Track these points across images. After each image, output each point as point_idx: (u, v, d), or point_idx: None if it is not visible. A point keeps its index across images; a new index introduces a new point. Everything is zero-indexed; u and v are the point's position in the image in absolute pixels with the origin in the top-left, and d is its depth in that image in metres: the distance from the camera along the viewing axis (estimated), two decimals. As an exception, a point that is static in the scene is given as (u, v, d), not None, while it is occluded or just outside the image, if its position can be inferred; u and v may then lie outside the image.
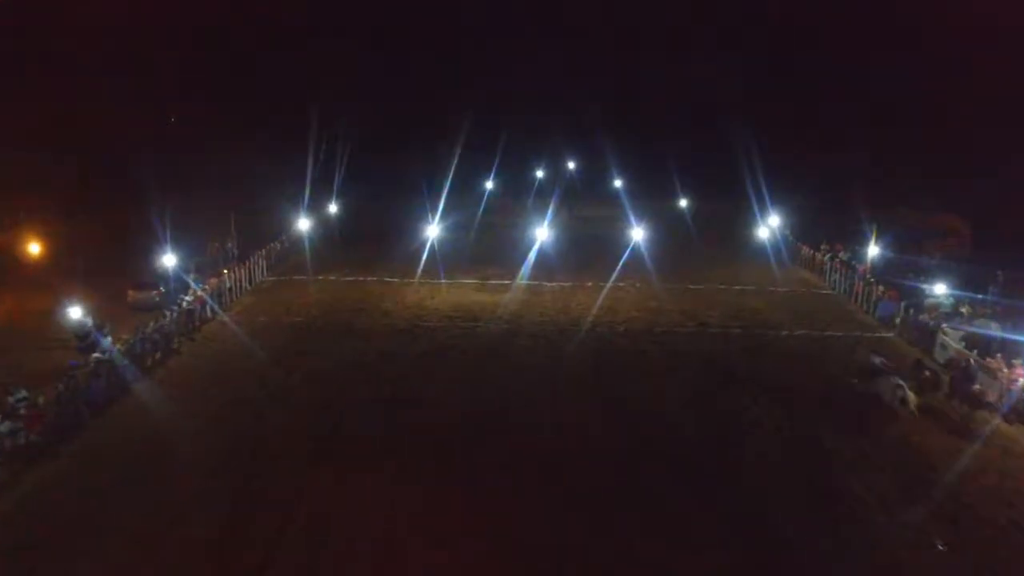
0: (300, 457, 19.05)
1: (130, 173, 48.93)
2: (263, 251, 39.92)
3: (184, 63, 64.35)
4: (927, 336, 27.92)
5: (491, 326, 30.68)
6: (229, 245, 38.98)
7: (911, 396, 21.79)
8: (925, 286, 32.41)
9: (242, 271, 36.45)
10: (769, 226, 45.63)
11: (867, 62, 61.32)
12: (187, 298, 30.20)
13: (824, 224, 47.95)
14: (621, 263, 39.87)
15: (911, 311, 29.85)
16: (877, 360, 24.13)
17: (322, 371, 25.40)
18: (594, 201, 66.01)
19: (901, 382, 22.16)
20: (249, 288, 36.83)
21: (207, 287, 32.19)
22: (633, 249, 40.74)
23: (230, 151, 55.56)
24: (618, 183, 69.71)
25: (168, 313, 27.99)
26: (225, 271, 34.79)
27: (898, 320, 30.38)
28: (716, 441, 20.50)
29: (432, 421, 21.20)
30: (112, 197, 49.02)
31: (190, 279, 33.36)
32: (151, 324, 26.44)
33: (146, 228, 38.53)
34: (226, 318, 31.69)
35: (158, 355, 26.38)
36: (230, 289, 34.50)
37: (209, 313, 31.71)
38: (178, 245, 34.87)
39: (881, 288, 32.89)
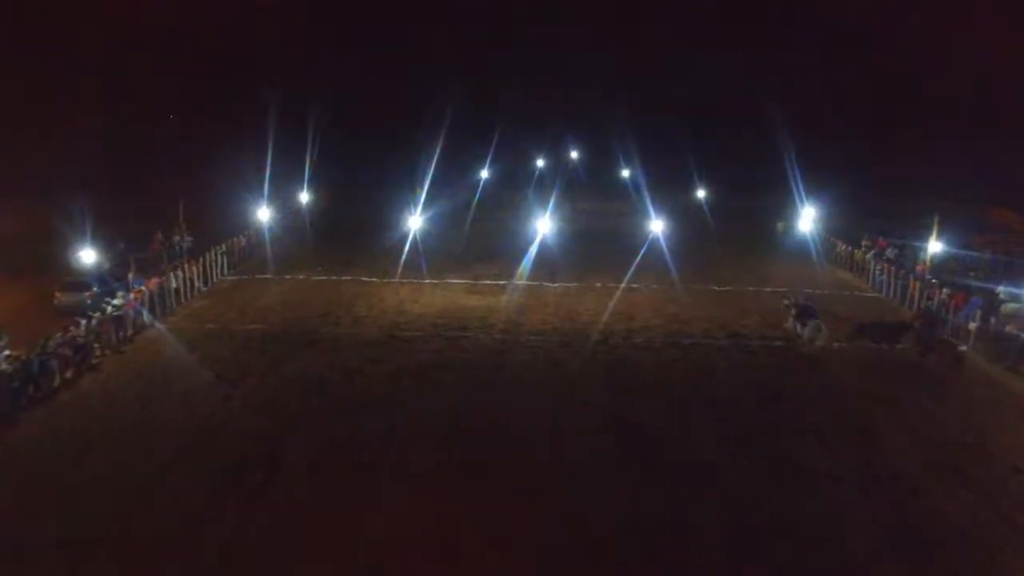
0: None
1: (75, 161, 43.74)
2: (223, 246, 34.79)
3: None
4: (1016, 351, 22.82)
5: (482, 336, 25.56)
6: (177, 239, 33.83)
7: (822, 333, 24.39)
8: (1001, 288, 27.28)
9: (195, 269, 31.33)
10: (804, 220, 40.40)
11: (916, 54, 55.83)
12: (116, 301, 25.06)
13: (861, 218, 42.97)
14: (637, 260, 34.63)
15: (992, 320, 24.71)
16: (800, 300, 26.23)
17: (268, 397, 20.28)
18: (599, 193, 60.77)
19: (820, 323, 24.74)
20: (204, 289, 31.71)
21: (146, 288, 27.08)
22: (650, 245, 35.27)
23: (185, 134, 50.37)
24: (625, 173, 64.53)
25: (84, 321, 22.88)
26: (171, 269, 29.69)
27: (972, 326, 25.13)
28: (777, 502, 15.38)
29: (394, 481, 15.98)
30: (52, 187, 43.88)
31: (130, 278, 28.34)
32: (56, 335, 21.32)
33: (88, 220, 33.43)
34: (166, 325, 26.63)
35: (69, 373, 21.29)
36: (177, 290, 29.40)
37: (147, 319, 26.63)
38: (118, 240, 29.90)
39: (945, 291, 27.71)
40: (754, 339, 25.71)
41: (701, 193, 53.14)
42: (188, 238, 37.28)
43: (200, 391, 20.47)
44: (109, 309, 24.44)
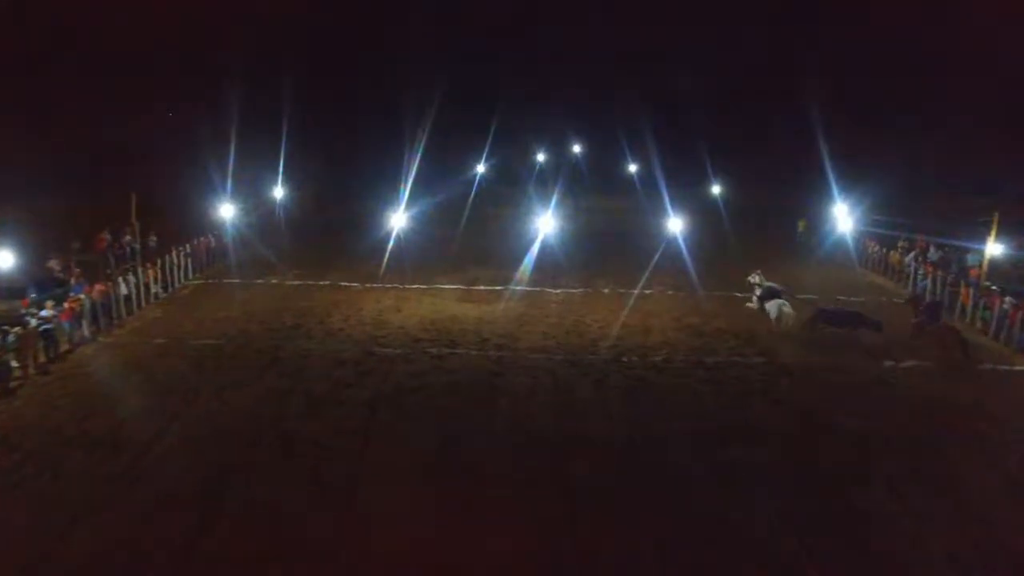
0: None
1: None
2: (187, 247, 31.10)
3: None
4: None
5: (474, 354, 21.88)
6: (128, 238, 30.09)
7: (789, 312, 23.90)
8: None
9: (152, 273, 27.66)
10: (836, 219, 36.62)
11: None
12: (44, 312, 21.35)
13: (893, 216, 39.13)
14: (653, 263, 30.78)
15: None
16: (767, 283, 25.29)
17: (208, 434, 16.58)
18: (605, 189, 56.99)
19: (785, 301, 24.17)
20: (163, 295, 28.07)
21: (85, 296, 23.41)
22: (668, 246, 31.33)
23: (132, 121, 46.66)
24: (633, 167, 60.77)
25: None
26: (121, 274, 26.03)
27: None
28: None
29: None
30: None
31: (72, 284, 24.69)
32: (-44, 357, 17.69)
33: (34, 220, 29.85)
34: (109, 340, 23.00)
35: (-26, 402, 17.67)
36: (128, 298, 25.73)
37: (87, 332, 22.98)
38: (74, 241, 26.20)
39: (1008, 300, 24.02)
40: (789, 356, 22.01)
41: (717, 189, 49.29)
42: (153, 238, 33.70)
43: (127, 427, 16.79)
44: (34, 322, 20.76)
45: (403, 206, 33.43)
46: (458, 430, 16.83)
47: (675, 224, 31.22)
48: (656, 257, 28.73)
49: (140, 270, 27.04)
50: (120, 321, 24.75)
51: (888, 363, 21.60)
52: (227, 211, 29.40)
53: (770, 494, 14.38)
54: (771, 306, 24.34)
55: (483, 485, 14.54)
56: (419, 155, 46.27)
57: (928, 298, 24.33)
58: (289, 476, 14.77)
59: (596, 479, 14.87)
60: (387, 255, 32.00)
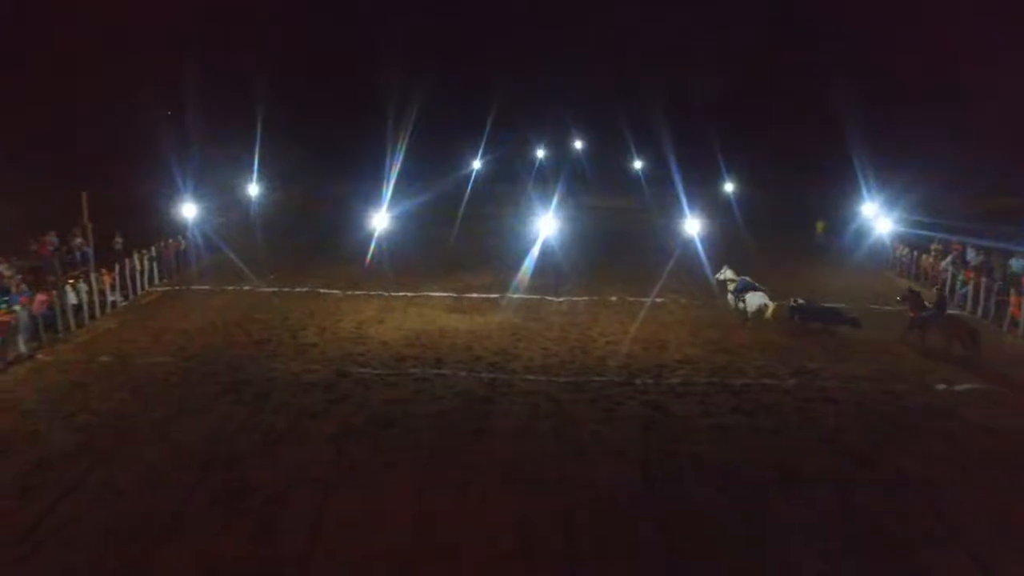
0: None
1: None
2: (152, 250, 28.26)
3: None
4: None
5: (463, 375, 19.00)
6: (78, 241, 27.19)
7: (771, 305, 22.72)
8: None
9: (108, 279, 24.82)
10: (865, 218, 33.81)
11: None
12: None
13: (919, 215, 36.31)
14: (668, 268, 27.80)
15: None
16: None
17: (136, 483, 13.61)
18: (609, 187, 54.10)
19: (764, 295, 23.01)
20: (122, 303, 25.25)
21: (22, 306, 20.54)
22: (683, 249, 28.29)
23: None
24: (638, 164, 57.89)
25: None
26: (69, 281, 23.17)
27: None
28: None
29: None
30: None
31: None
32: None
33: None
34: (51, 356, 20.13)
35: None
36: (77, 307, 22.88)
37: (23, 348, 20.11)
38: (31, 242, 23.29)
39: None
40: (828, 378, 19.13)
41: (729, 186, 46.28)
42: (118, 240, 30.90)
43: (41, 474, 13.88)
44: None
45: (385, 206, 30.38)
46: (440, 478, 13.94)
47: (692, 225, 28.27)
48: (671, 263, 25.80)
49: (94, 277, 24.17)
50: (67, 334, 21.92)
51: (941, 386, 18.71)
52: (190, 211, 26.53)
53: (821, 558, 11.56)
54: (753, 299, 23.15)
55: (470, 549, 11.68)
56: (407, 151, 43.31)
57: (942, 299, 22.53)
58: (227, 542, 11.88)
59: (605, 542, 11.98)
60: (369, 259, 29.12)
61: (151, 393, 17.69)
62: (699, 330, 22.84)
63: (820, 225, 39.17)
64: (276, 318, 23.71)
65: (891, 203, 33.72)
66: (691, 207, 32.43)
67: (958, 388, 18.56)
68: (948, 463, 14.76)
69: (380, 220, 27.81)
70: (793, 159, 48.99)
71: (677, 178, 39.57)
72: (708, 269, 27.28)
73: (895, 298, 24.10)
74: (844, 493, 13.54)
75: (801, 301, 23.23)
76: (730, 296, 24.40)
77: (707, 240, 29.13)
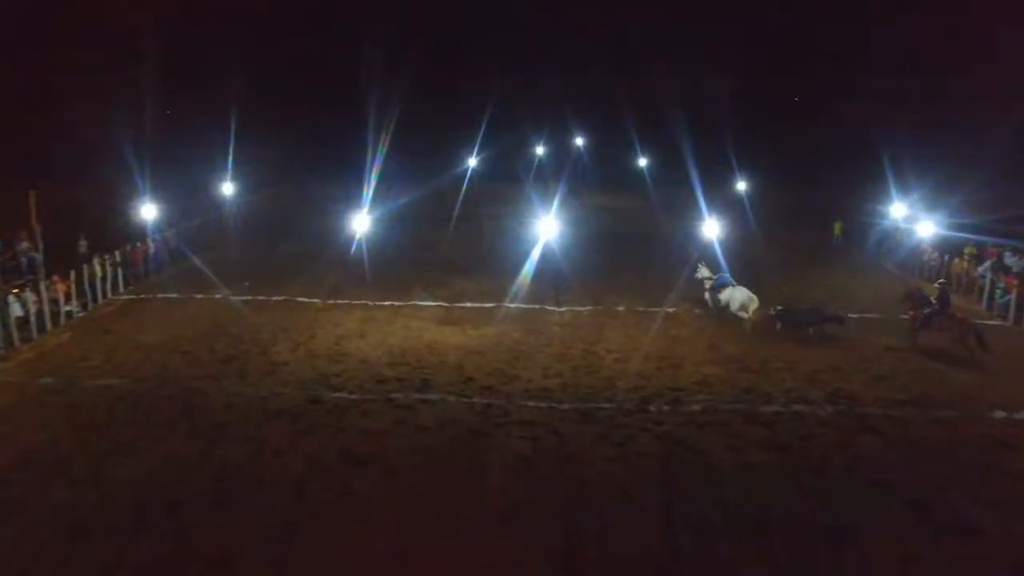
0: None
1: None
2: (114, 255, 25.89)
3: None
4: None
5: (452, 400, 16.64)
6: (24, 246, 24.78)
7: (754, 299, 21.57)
8: None
9: (62, 287, 22.45)
10: (894, 218, 31.49)
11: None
12: None
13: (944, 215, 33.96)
14: (684, 275, 25.28)
15: None
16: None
17: (50, 546, 11.26)
18: (612, 185, 51.69)
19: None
20: (80, 313, 22.89)
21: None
22: (701, 254, 25.84)
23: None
24: (643, 161, 55.46)
25: None
26: (13, 290, 20.80)
27: None
28: None
29: None
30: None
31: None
32: None
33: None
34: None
35: None
36: (23, 320, 20.50)
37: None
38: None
39: None
40: (868, 404, 16.78)
41: (742, 185, 43.81)
42: (83, 243, 28.57)
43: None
44: None
45: (366, 208, 27.82)
46: (422, 532, 11.60)
47: (712, 228, 25.80)
48: (686, 270, 23.43)
49: (44, 285, 21.78)
50: (9, 351, 19.55)
51: (999, 414, 16.34)
52: (150, 212, 24.14)
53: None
54: (735, 295, 21.97)
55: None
56: (396, 148, 40.92)
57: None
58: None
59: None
60: (348, 266, 26.76)
61: (91, 423, 15.32)
62: (718, 345, 20.47)
63: (838, 226, 36.85)
64: (246, 331, 21.33)
65: (931, 203, 31.31)
66: (709, 208, 29.99)
67: (1019, 416, 16.22)
68: (1022, 509, 12.46)
69: (360, 223, 25.34)
70: (810, 155, 46.58)
71: (694, 176, 36.95)
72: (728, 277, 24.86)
73: (896, 301, 22.06)
74: (906, 556, 11.21)
75: (780, 307, 21.85)
76: (708, 295, 23.05)
77: (724, 244, 26.64)
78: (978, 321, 21.25)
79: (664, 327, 21.96)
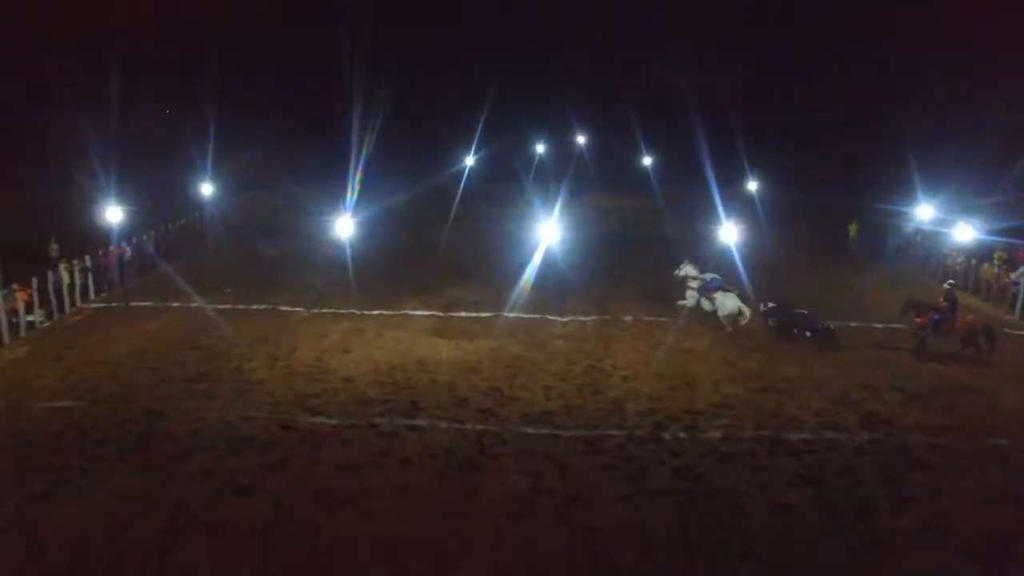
0: None
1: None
2: (85, 259, 24.15)
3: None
4: None
5: (444, 426, 14.85)
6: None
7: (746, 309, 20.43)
8: None
9: (21, 296, 20.70)
10: (920, 220, 29.70)
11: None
12: None
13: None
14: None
15: None
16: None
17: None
18: (615, 185, 49.86)
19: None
20: (44, 324, 21.14)
21: None
22: (716, 260, 24.00)
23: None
24: (647, 160, 53.64)
25: None
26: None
27: None
28: None
29: None
30: None
31: None
32: None
33: None
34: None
35: None
36: (-24, 333, 18.78)
37: None
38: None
39: None
40: (909, 430, 14.99)
41: (752, 185, 41.88)
42: (54, 247, 26.86)
43: None
44: None
45: (350, 211, 25.84)
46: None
47: (730, 232, 23.89)
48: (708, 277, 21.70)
49: (2, 294, 20.03)
50: (-39, 367, 17.80)
51: (1057, 441, 14.56)
52: (114, 215, 22.35)
53: None
54: (725, 301, 20.65)
55: None
56: (388, 146, 39.11)
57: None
58: None
59: None
60: (343, 272, 24.98)
61: (32, 454, 13.55)
62: (736, 360, 18.69)
63: (853, 228, 35.06)
64: (222, 344, 19.54)
65: (960, 205, 29.48)
66: (725, 210, 28.16)
67: (1079, 445, 14.42)
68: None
69: (344, 227, 23.50)
70: (825, 153, 44.75)
71: (705, 176, 35.09)
72: (748, 288, 23.08)
73: (898, 311, 20.46)
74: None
75: (772, 304, 20.86)
76: (690, 295, 21.50)
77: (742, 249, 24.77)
78: (1008, 330, 19.64)
79: (676, 340, 20.12)
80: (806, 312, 20.74)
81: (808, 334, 20.08)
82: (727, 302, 20.79)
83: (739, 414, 15.55)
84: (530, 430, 14.71)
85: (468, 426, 14.83)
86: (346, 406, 15.72)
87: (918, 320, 19.36)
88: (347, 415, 15.27)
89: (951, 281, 21.34)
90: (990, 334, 18.83)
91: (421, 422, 14.97)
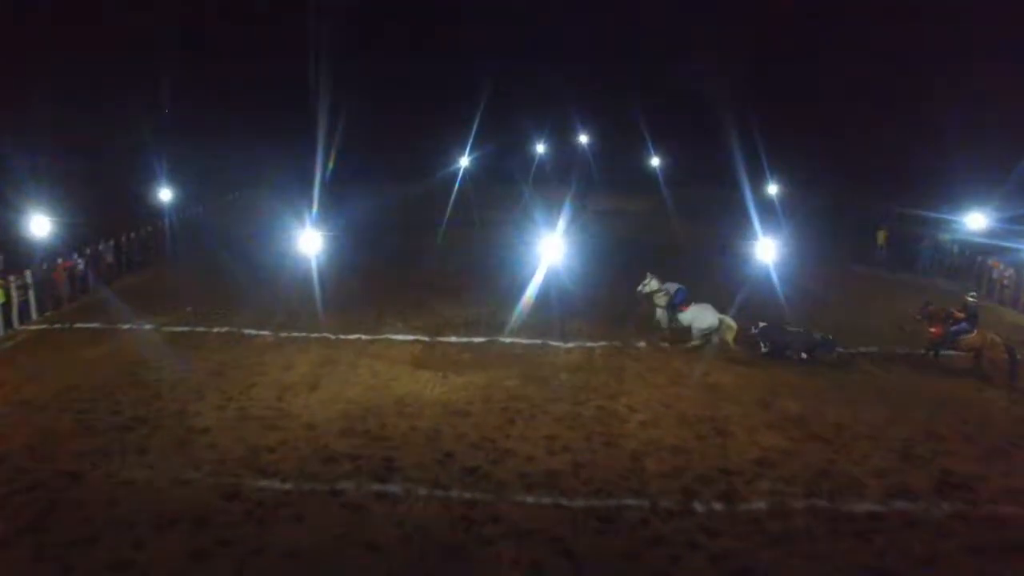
0: None
1: None
2: (26, 274, 21.30)
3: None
4: None
5: (423, 491, 11.97)
6: None
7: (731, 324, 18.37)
8: None
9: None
10: (969, 230, 26.97)
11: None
12: None
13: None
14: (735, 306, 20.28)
15: None
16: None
17: None
18: (621, 188, 47.01)
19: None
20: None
21: None
22: (753, 282, 20.99)
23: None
24: (655, 161, 50.82)
25: None
26: None
27: None
28: None
29: None
30: None
31: None
32: None
33: None
34: None
35: None
36: None
37: None
38: None
39: None
40: (996, 497, 12.15)
41: (773, 188, 38.98)
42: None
43: None
44: None
45: (314, 222, 22.88)
46: None
47: (766, 250, 20.85)
48: (739, 298, 18.84)
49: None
50: None
51: None
52: (40, 226, 19.53)
53: None
54: (701, 315, 18.66)
55: None
56: (372, 146, 36.33)
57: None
58: None
59: None
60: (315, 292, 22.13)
61: None
62: (773, 398, 15.85)
63: (881, 234, 32.26)
64: (168, 378, 16.69)
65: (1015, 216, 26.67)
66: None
67: None
68: None
69: (309, 241, 20.52)
70: (850, 153, 41.97)
71: (730, 178, 32.24)
72: (787, 311, 20.24)
73: (914, 318, 18.69)
74: None
75: (763, 324, 18.66)
76: (660, 312, 19.56)
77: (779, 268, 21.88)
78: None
79: (700, 373, 17.30)
80: (800, 330, 18.44)
81: (804, 356, 17.82)
82: (705, 315, 18.55)
83: (784, 474, 12.70)
84: (530, 499, 11.87)
85: (453, 493, 11.98)
86: (306, 464, 12.87)
87: (933, 331, 17.91)
88: (305, 477, 12.42)
89: (973, 293, 19.11)
90: (1011, 351, 17.18)
91: (395, 488, 12.12)
